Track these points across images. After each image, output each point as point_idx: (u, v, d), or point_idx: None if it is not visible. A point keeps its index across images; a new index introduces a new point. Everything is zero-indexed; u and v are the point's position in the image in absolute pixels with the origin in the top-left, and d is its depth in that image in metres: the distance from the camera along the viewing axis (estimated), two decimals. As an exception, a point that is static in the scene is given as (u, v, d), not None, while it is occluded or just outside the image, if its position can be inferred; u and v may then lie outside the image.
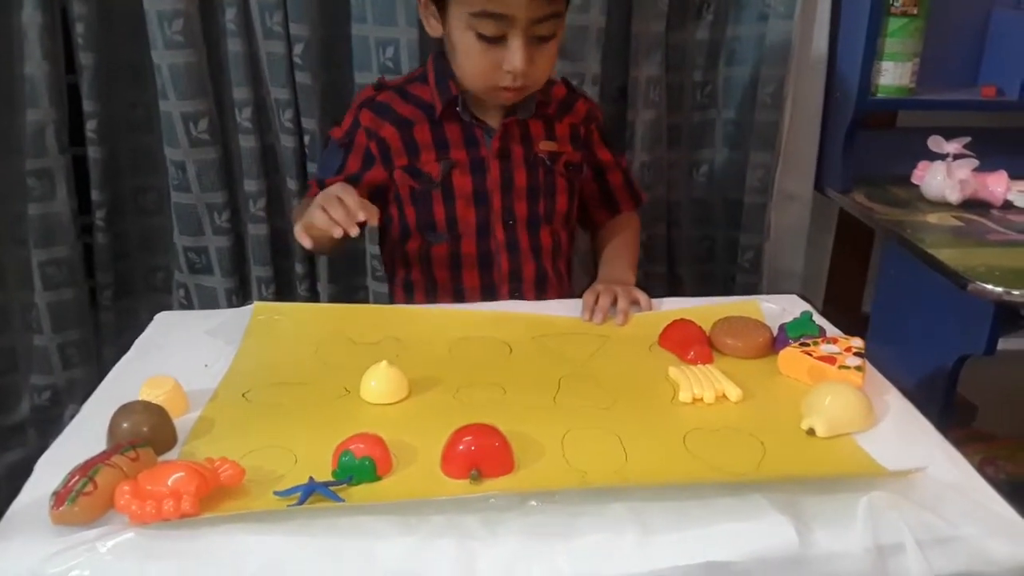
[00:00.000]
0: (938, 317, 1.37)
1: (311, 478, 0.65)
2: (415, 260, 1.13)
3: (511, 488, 0.66)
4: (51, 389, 1.40)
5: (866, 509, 0.61)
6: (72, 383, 1.40)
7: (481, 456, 0.68)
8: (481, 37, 0.97)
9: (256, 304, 1.02)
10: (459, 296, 1.13)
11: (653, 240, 1.53)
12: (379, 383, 0.80)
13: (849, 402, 0.76)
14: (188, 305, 1.43)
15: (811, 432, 0.74)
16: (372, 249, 1.47)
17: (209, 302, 1.43)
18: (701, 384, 0.82)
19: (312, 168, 1.37)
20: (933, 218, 1.33)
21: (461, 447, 0.68)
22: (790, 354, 0.86)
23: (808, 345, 0.87)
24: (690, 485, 0.66)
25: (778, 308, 1.00)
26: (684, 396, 0.81)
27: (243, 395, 0.82)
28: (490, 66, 0.99)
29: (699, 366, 0.87)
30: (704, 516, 0.61)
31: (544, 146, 1.12)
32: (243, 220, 1.41)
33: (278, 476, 0.67)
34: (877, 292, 1.69)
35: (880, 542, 0.60)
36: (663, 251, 1.56)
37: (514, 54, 0.97)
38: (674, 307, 1.02)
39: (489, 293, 1.12)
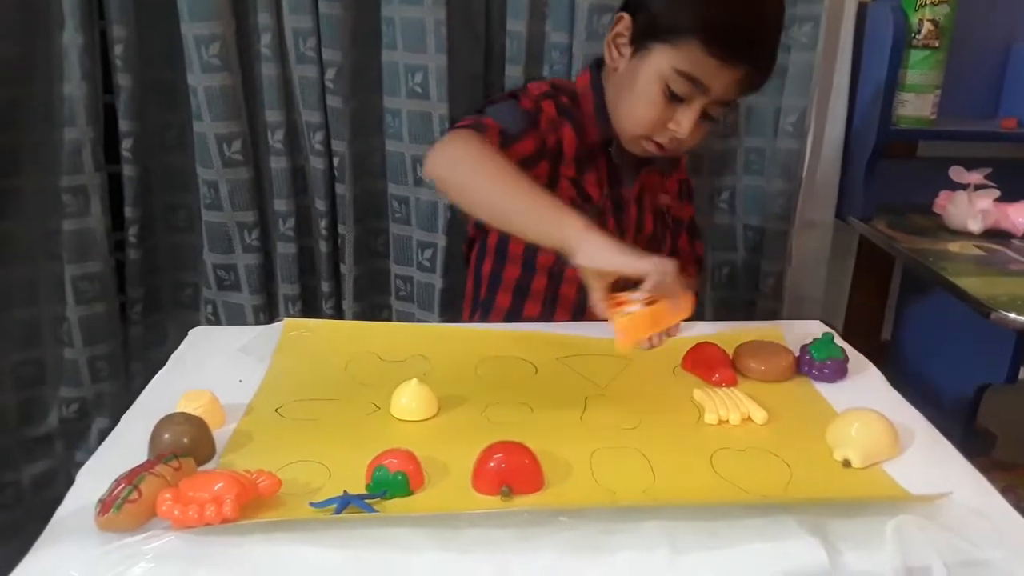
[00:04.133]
0: (959, 345, 1.38)
1: (345, 491, 0.66)
2: (542, 270, 1.10)
3: (542, 504, 0.67)
4: (79, 402, 1.42)
5: (894, 532, 0.62)
6: (100, 396, 1.42)
7: (512, 473, 0.69)
8: (666, 92, 0.96)
9: (286, 321, 1.03)
10: (580, 310, 1.10)
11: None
12: (410, 400, 0.81)
13: (876, 430, 0.75)
14: (215, 321, 1.45)
15: (847, 464, 0.74)
16: (396, 269, 1.48)
17: (236, 318, 1.44)
18: (727, 406, 0.83)
19: (340, 190, 1.39)
20: (955, 247, 1.34)
21: (492, 464, 0.69)
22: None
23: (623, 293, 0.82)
24: (719, 505, 0.66)
25: (801, 334, 1.01)
26: (710, 418, 0.82)
27: (276, 410, 0.83)
28: (657, 120, 0.98)
29: (724, 388, 0.88)
30: (734, 536, 0.62)
31: (663, 199, 1.14)
32: (272, 239, 1.43)
33: (313, 489, 0.69)
34: (897, 319, 1.69)
35: (909, 564, 0.60)
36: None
37: (685, 120, 0.97)
38: (696, 331, 1.03)
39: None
